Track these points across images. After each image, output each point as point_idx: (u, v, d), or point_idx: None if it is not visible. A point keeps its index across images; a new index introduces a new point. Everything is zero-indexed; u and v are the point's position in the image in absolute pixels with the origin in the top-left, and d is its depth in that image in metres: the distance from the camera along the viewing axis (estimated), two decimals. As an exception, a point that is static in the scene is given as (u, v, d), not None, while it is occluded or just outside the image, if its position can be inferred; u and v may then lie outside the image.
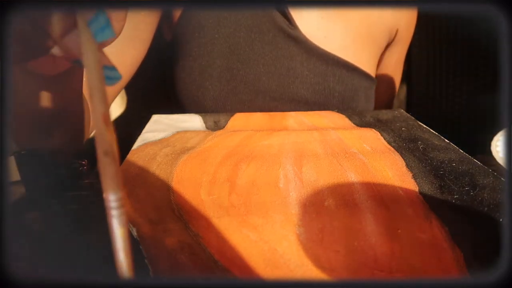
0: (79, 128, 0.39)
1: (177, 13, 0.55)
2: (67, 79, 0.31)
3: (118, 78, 0.22)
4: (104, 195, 0.18)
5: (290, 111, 0.54)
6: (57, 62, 0.26)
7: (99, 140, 0.19)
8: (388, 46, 0.61)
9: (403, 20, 0.59)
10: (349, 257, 0.23)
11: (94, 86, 0.19)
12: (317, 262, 0.22)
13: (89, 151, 0.46)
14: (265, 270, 0.22)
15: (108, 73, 0.22)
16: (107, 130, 0.19)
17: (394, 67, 0.65)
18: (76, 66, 0.29)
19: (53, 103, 0.32)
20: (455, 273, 0.22)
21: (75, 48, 0.23)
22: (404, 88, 0.86)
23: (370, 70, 0.58)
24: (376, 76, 0.64)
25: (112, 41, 0.23)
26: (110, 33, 0.22)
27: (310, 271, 0.22)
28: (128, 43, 0.49)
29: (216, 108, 0.54)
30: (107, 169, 0.18)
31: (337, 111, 0.52)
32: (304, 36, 0.53)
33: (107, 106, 0.19)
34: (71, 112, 0.36)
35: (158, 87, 0.64)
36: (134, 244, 0.24)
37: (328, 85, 0.54)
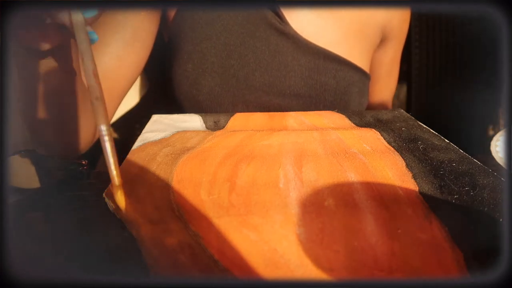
0: (73, 125, 0.39)
1: (171, 13, 0.55)
2: (60, 56, 0.34)
3: (95, 39, 0.29)
4: (97, 127, 0.26)
5: (283, 105, 0.55)
6: (48, 36, 0.29)
7: (91, 89, 0.26)
8: (381, 43, 0.61)
9: (396, 17, 0.59)
10: (349, 257, 0.23)
11: (84, 51, 0.26)
12: (317, 262, 0.22)
13: (89, 151, 0.46)
14: (265, 270, 0.22)
15: (90, 36, 0.28)
16: (96, 82, 0.26)
17: (389, 65, 0.65)
18: (67, 44, 0.34)
19: (48, 80, 0.35)
20: (455, 273, 0.22)
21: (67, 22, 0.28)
22: (404, 88, 0.86)
23: (363, 65, 0.58)
24: (372, 74, 0.64)
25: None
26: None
27: (310, 271, 0.22)
28: (128, 47, 0.49)
29: (211, 104, 0.54)
30: (98, 109, 0.26)
31: (337, 111, 0.52)
32: (295, 32, 0.54)
33: (95, 63, 0.26)
34: (64, 94, 0.38)
35: (158, 87, 0.64)
36: (134, 244, 0.24)
37: (320, 79, 0.54)
